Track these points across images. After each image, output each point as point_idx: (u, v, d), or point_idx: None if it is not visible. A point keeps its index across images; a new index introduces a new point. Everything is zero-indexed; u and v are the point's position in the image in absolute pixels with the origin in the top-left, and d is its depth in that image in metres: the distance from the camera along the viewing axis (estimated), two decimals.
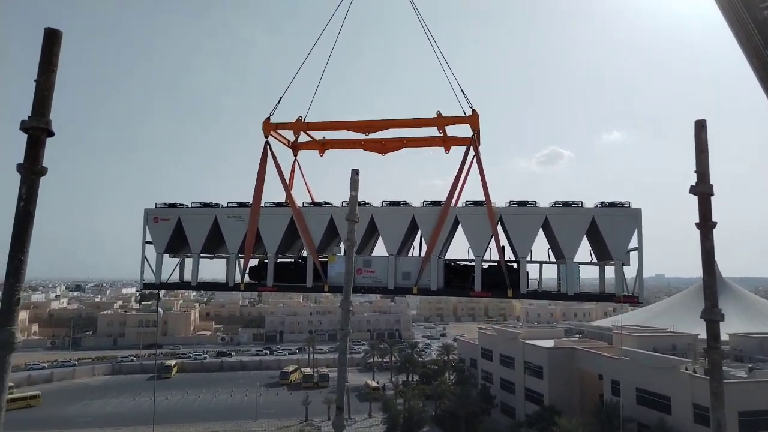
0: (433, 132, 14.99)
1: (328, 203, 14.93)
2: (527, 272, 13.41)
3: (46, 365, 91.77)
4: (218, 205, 15.44)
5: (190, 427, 62.75)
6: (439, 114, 14.07)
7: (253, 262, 15.61)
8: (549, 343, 58.48)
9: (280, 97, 15.17)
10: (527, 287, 13.47)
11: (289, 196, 14.91)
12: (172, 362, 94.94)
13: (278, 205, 15.06)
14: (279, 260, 15.46)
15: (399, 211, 14.06)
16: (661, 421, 40.97)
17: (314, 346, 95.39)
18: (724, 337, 53.40)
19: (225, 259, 15.43)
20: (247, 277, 15.49)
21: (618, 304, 13.26)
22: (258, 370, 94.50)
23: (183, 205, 15.62)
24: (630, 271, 13.04)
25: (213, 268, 16.84)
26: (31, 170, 4.39)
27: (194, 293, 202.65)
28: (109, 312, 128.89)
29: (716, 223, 6.21)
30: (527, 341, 59.21)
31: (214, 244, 15.68)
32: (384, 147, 16.31)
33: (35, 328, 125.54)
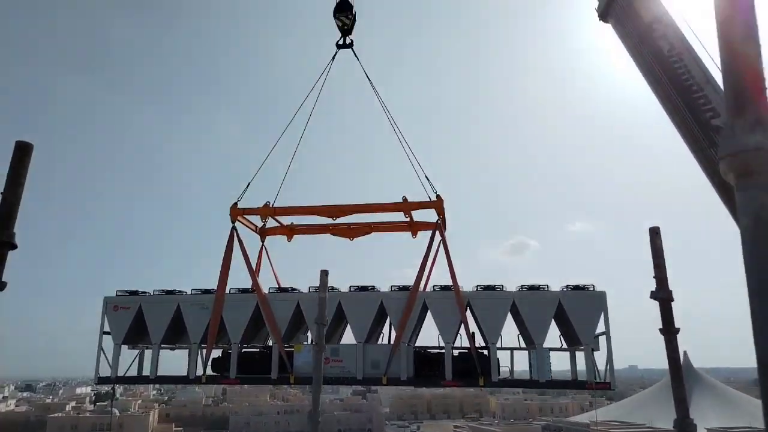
0: (399, 217, 15.15)
1: (296, 289, 14.59)
2: (498, 359, 13.12)
3: None
4: (182, 292, 14.90)
5: None
6: (405, 199, 14.18)
7: (217, 353, 14.89)
8: None
9: (248, 183, 15.20)
10: (498, 375, 13.10)
11: (254, 281, 14.54)
12: None
13: (243, 291, 14.66)
14: (243, 350, 14.80)
15: (367, 297, 13.75)
16: None
17: None
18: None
19: (187, 351, 14.68)
20: (209, 370, 14.71)
21: (591, 393, 13.11)
22: None
23: (145, 293, 15.01)
24: (601, 357, 12.94)
25: (174, 361, 15.95)
26: None
27: (153, 392, 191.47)
28: (60, 414, 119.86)
29: (679, 329, 6.32)
30: None
31: (176, 334, 14.97)
32: (351, 232, 16.33)
33: None
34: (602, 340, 12.90)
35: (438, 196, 14.17)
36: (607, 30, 7.75)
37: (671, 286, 6.61)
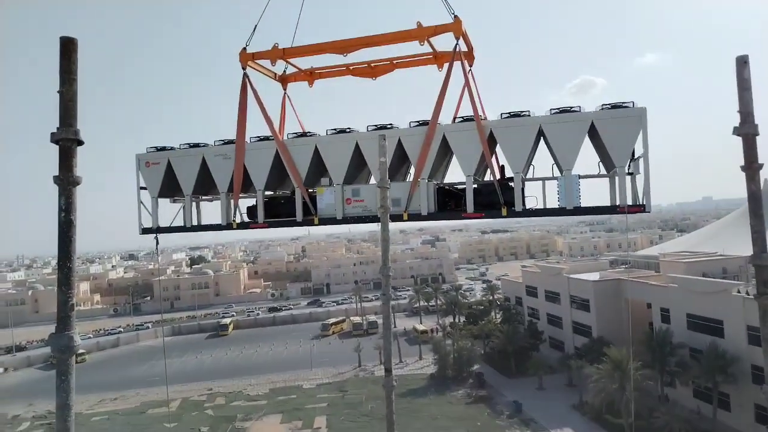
0: (422, 50, 14.10)
1: (313, 134, 14.31)
2: (522, 188, 12.44)
3: (122, 329, 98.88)
4: (207, 145, 15.06)
5: (252, 379, 66.18)
6: (419, 24, 13.00)
7: (252, 201, 15.29)
8: (595, 276, 58.11)
9: (255, 26, 14.65)
10: (523, 205, 12.47)
11: (270, 127, 14.26)
12: (228, 320, 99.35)
13: (264, 139, 14.52)
14: (268, 196, 15.19)
15: (384, 135, 13.47)
16: (713, 344, 40.71)
17: (360, 295, 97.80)
18: None
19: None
20: (245, 217, 15.29)
21: (623, 214, 12.21)
22: (309, 322, 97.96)
23: (173, 147, 15.28)
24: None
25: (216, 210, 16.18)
26: (67, 181, 4.52)
27: (240, 254, 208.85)
28: (163, 278, 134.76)
29: (762, 165, 5.82)
30: (572, 276, 58.99)
31: (207, 185, 15.33)
32: (373, 71, 15.65)
33: (97, 297, 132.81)
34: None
35: (456, 17, 12.74)
36: None
37: (758, 120, 6.02)
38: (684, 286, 45.99)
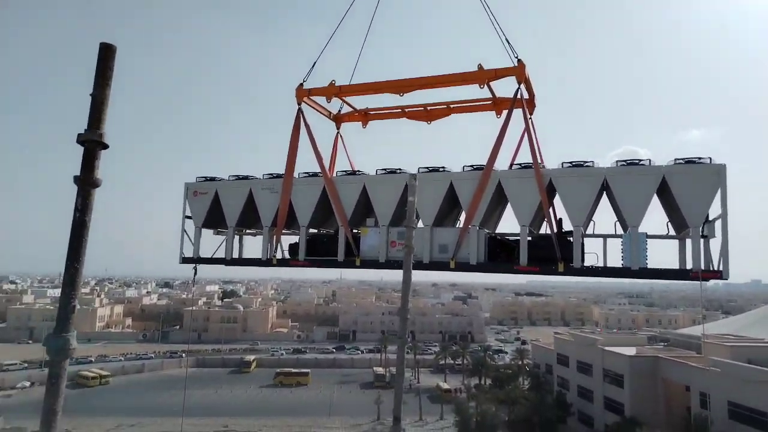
0: (481, 95, 13.75)
1: (363, 173, 14.02)
2: (582, 243, 11.47)
3: (153, 356, 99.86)
4: (256, 178, 14.94)
5: (268, 420, 64.93)
6: (480, 67, 12.45)
7: (295, 238, 14.99)
8: (631, 351, 55.38)
9: (314, 62, 14.66)
10: (582, 262, 11.42)
11: (320, 163, 13.92)
12: (251, 357, 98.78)
13: (313, 175, 14.15)
14: (312, 234, 14.92)
15: (435, 177, 12.46)
16: None
17: (386, 345, 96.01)
18: None
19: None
20: (287, 254, 14.92)
21: (696, 282, 10.78)
22: (332, 368, 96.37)
23: (222, 178, 15.28)
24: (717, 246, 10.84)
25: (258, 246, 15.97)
26: (87, 182, 4.57)
27: (272, 292, 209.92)
28: (194, 308, 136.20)
29: None
30: (606, 348, 56.40)
31: (251, 219, 15.15)
32: (429, 115, 15.46)
33: (129, 321, 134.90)
34: (719, 226, 10.77)
35: (519, 60, 12.14)
36: None
37: None
38: (727, 371, 43.25)
